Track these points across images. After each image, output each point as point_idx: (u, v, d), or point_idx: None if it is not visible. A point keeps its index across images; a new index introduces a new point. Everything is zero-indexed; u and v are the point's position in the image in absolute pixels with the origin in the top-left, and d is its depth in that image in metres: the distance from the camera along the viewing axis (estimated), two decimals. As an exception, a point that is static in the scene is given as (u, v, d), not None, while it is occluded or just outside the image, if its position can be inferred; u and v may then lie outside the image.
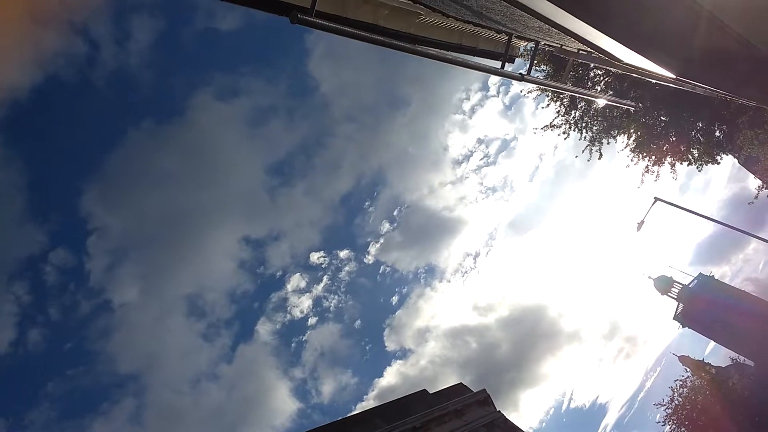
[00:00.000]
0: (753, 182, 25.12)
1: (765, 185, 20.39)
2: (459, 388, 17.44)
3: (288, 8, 6.99)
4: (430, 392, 16.86)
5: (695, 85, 4.50)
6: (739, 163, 28.89)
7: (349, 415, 17.37)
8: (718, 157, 20.25)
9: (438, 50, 5.34)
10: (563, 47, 6.18)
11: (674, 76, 3.92)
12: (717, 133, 20.10)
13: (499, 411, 16.84)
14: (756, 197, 20.56)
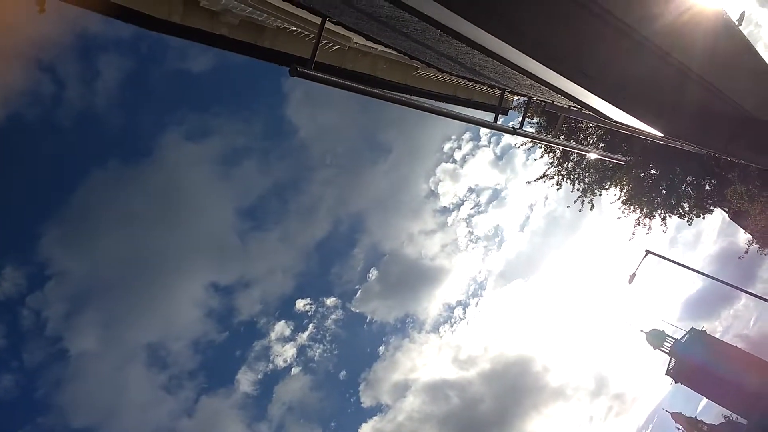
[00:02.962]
0: (743, 237, 25.35)
1: (755, 240, 20.58)
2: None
3: (288, 59, 7.19)
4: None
5: (683, 143, 4.60)
6: (729, 217, 29.19)
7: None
8: (709, 210, 20.52)
9: (433, 102, 5.47)
10: (554, 103, 6.34)
11: (662, 135, 4.01)
12: (707, 187, 20.42)
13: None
14: (746, 252, 20.73)
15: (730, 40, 3.02)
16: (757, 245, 20.54)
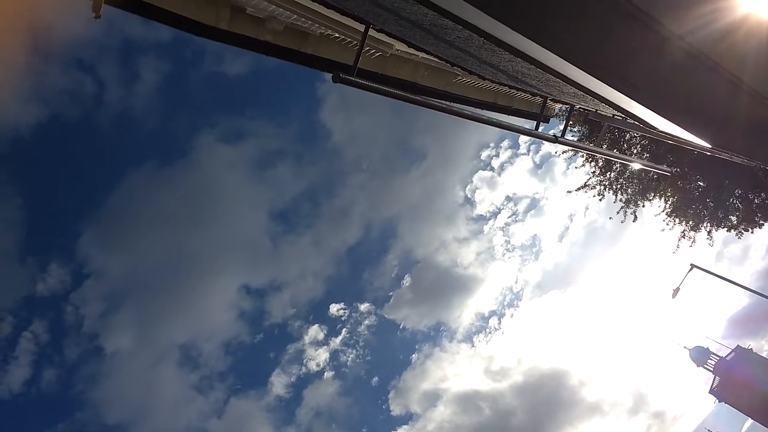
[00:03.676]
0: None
1: (807, 257, 19.74)
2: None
3: (330, 65, 7.29)
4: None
5: (732, 154, 4.48)
6: (779, 232, 28.06)
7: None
8: (758, 224, 19.80)
9: (473, 109, 5.46)
10: (598, 111, 6.24)
11: (709, 146, 3.92)
12: (756, 201, 19.72)
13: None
14: (798, 269, 19.88)
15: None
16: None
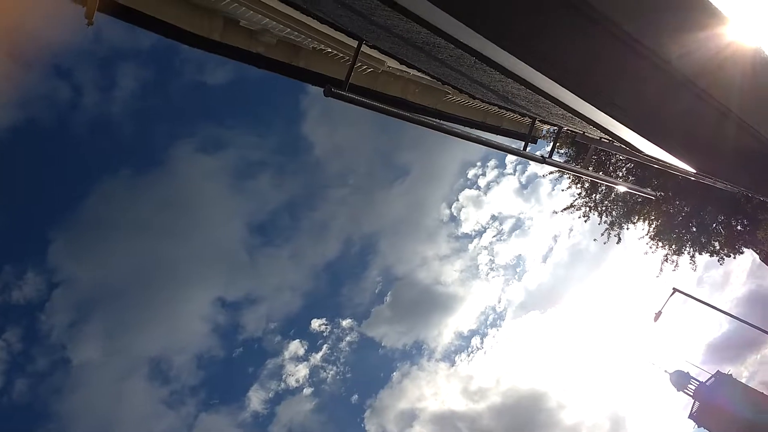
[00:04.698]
0: (775, 280, 24.61)
1: (787, 284, 20.00)
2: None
3: (321, 79, 7.32)
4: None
5: (716, 179, 4.54)
6: (760, 259, 28.43)
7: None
8: (740, 250, 20.06)
9: (462, 128, 5.50)
10: (585, 134, 6.31)
11: (695, 170, 3.97)
12: (738, 227, 19.99)
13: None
14: (778, 295, 20.13)
15: (767, 78, 2.99)
16: (789, 289, 19.96)
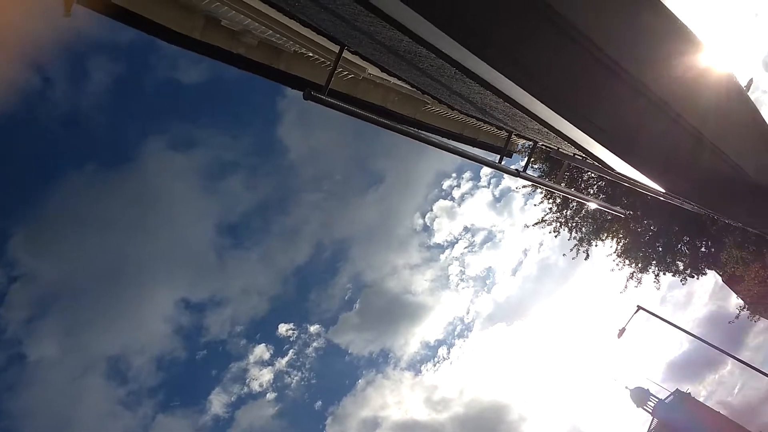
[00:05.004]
0: (734, 302, 25.37)
1: (746, 306, 20.57)
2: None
3: (301, 83, 7.29)
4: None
5: (684, 201, 4.64)
6: (722, 281, 29.19)
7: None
8: (703, 271, 20.58)
9: (440, 138, 5.52)
10: (559, 150, 6.41)
11: (664, 191, 4.05)
12: (703, 249, 20.51)
13: None
14: (737, 317, 20.71)
15: (739, 104, 3.08)
16: (747, 311, 20.53)
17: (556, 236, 20.47)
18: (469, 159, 5.18)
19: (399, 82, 6.59)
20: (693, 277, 20.34)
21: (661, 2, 2.23)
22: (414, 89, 6.46)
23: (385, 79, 7.47)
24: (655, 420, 49.25)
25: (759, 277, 18.65)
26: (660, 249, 19.89)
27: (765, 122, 4.03)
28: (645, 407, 50.82)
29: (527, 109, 3.17)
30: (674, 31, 2.42)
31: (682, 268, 20.09)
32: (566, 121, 2.82)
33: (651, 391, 51.50)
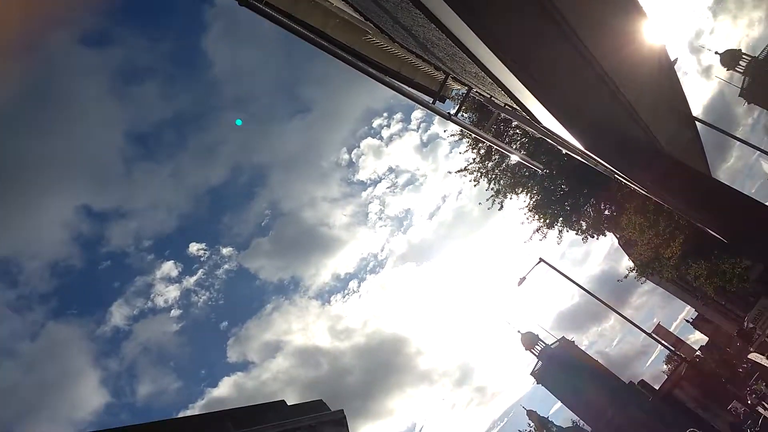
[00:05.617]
0: (625, 264, 27.44)
1: (635, 268, 22.34)
2: (317, 405, 17.33)
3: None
4: (288, 404, 16.64)
5: (598, 161, 4.87)
6: (618, 243, 31.43)
7: (196, 414, 16.64)
8: (603, 232, 22.05)
9: (377, 71, 5.42)
10: (492, 98, 6.48)
11: (583, 149, 4.22)
12: (606, 212, 21.88)
13: (354, 434, 16.89)
14: (625, 277, 22.46)
15: (667, 79, 3.21)
16: (636, 273, 22.30)
17: (475, 185, 21.06)
18: (404, 95, 5.14)
19: (342, 6, 6.34)
20: (593, 237, 21.75)
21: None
22: (356, 17, 6.24)
23: (328, 0, 7.15)
24: (540, 362, 53.46)
25: (651, 243, 20.20)
26: (568, 208, 21.00)
27: (685, 100, 4.24)
28: (532, 351, 54.98)
29: (468, 50, 3.15)
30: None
31: (585, 227, 21.39)
32: (504, 67, 2.83)
33: (540, 337, 55.70)
